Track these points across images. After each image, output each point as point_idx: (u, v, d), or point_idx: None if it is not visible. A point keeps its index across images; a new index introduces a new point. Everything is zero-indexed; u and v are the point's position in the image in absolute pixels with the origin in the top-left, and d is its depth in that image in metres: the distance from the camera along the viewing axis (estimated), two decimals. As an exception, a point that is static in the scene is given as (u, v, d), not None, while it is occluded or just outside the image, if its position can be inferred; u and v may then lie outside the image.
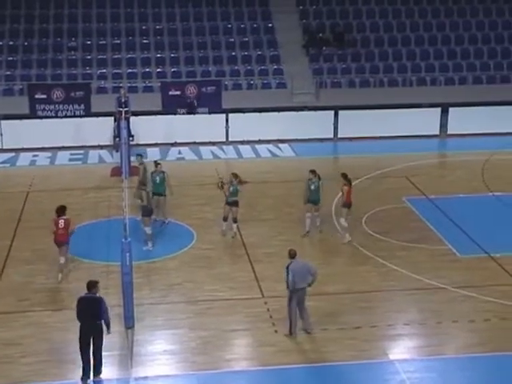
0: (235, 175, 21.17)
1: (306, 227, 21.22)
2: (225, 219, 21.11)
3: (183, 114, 29.89)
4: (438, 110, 31.21)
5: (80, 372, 14.69)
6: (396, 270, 19.37)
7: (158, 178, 21.48)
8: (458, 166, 27.61)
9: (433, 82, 33.56)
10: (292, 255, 16.22)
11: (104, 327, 14.63)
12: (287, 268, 16.07)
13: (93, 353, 14.61)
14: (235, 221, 21.06)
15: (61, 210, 18.77)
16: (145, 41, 34.16)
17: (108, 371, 15.05)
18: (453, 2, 36.69)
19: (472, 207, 23.62)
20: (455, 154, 29.05)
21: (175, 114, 29.86)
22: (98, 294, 14.69)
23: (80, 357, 14.65)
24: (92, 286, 14.68)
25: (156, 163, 21.96)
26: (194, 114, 30.00)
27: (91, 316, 14.49)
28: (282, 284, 18.29)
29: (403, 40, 35.12)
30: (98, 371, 14.77)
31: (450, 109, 31.10)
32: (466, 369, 15.27)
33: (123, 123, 25.25)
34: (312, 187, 21.01)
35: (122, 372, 15.07)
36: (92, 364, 14.66)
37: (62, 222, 18.56)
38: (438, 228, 21.86)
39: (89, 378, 14.67)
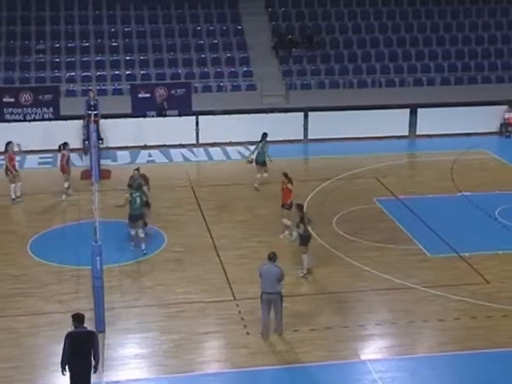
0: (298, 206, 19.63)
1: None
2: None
3: (153, 116, 29.85)
4: (407, 110, 31.41)
5: (52, 378, 14.57)
6: (367, 270, 19.46)
7: (136, 184, 21.33)
8: (427, 166, 27.80)
9: (401, 83, 33.79)
10: (268, 258, 16.16)
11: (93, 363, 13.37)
12: (259, 266, 16.21)
13: None
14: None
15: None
16: (114, 43, 34.00)
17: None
18: (420, 4, 36.97)
19: (441, 207, 23.82)
20: (424, 155, 29.25)
21: (145, 116, 29.80)
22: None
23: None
24: (82, 319, 13.38)
25: (135, 169, 21.81)
26: (163, 116, 29.95)
27: (83, 352, 13.17)
28: (254, 286, 18.36)
29: (372, 41, 35.31)
30: None
31: (419, 109, 31.32)
32: (437, 367, 15.39)
33: (92, 126, 25.14)
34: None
35: (94, 376, 14.96)
36: None
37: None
38: (407, 228, 22.00)
39: None
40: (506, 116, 31.57)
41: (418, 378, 15.04)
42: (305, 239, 19.12)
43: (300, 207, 19.47)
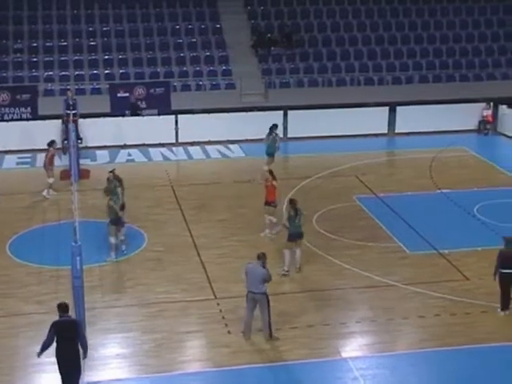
0: (291, 202, 19.26)
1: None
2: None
3: (131, 116, 29.74)
4: (386, 109, 31.54)
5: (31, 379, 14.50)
6: (347, 268, 19.52)
7: (112, 185, 21.23)
8: (406, 164, 27.93)
9: (380, 82, 33.93)
10: (257, 257, 16.08)
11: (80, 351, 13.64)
12: (246, 265, 16.25)
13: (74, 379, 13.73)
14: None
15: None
16: (92, 42, 33.86)
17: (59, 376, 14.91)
18: (398, 2, 37.13)
19: (420, 204, 23.93)
20: (403, 153, 29.38)
21: (124, 116, 29.71)
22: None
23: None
24: (66, 308, 13.73)
25: (110, 171, 21.71)
26: (140, 115, 29.86)
27: (69, 339, 13.47)
28: (235, 285, 18.38)
29: (350, 40, 35.43)
30: None
31: (398, 108, 31.45)
32: (418, 364, 15.47)
33: (71, 126, 25.03)
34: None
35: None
36: None
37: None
38: (387, 226, 22.09)
39: None
40: (485, 114, 31.78)
41: (398, 375, 15.11)
42: (294, 236, 19.05)
43: (294, 202, 19.23)
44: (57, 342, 13.52)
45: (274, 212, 21.19)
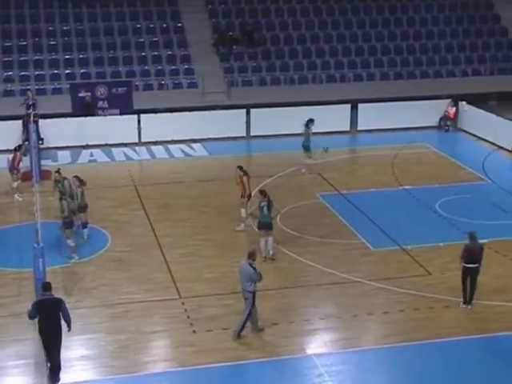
0: (262, 192, 19.95)
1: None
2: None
3: (87, 116, 29.44)
4: (348, 106, 31.70)
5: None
6: (311, 265, 19.59)
7: (59, 185, 21.05)
8: (369, 161, 28.10)
9: (342, 79, 34.09)
10: (248, 255, 16.14)
11: (64, 327, 14.56)
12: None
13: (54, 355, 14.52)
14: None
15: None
16: (52, 42, 33.54)
17: (24, 380, 14.77)
18: (358, 0, 37.30)
19: (383, 201, 24.10)
20: (365, 150, 29.55)
21: (85, 116, 29.47)
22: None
23: (46, 359, 14.66)
24: (49, 287, 14.56)
25: (55, 171, 21.55)
26: (97, 115, 29.65)
27: (51, 317, 14.33)
28: (199, 284, 18.37)
29: (312, 38, 35.54)
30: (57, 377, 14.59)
31: (360, 105, 31.63)
32: (383, 359, 15.59)
33: (32, 126, 24.78)
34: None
35: (39, 380, 14.79)
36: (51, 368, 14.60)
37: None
38: (351, 222, 22.21)
39: (59, 379, 14.60)
40: (449, 110, 32.05)
41: (363, 371, 15.21)
42: (262, 225, 19.48)
43: (264, 193, 19.68)
44: (40, 319, 14.28)
45: (248, 205, 21.39)
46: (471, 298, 17.45)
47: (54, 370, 14.63)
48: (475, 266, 17.20)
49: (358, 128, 31.68)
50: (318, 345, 16.23)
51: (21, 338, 16.03)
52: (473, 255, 17.18)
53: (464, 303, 17.44)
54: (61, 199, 19.69)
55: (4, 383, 14.74)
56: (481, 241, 17.92)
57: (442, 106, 32.24)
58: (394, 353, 15.75)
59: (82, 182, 20.77)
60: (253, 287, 15.98)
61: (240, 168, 21.63)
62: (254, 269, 16.00)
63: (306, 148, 26.45)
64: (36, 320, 14.49)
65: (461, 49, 36.40)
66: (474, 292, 17.43)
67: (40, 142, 26.92)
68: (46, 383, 14.64)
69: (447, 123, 32.16)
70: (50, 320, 14.33)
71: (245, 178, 21.41)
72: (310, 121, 26.48)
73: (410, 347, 15.90)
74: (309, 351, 15.83)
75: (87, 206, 20.85)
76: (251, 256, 16.09)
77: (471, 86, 34.01)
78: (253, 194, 21.71)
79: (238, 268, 16.35)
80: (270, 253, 19.68)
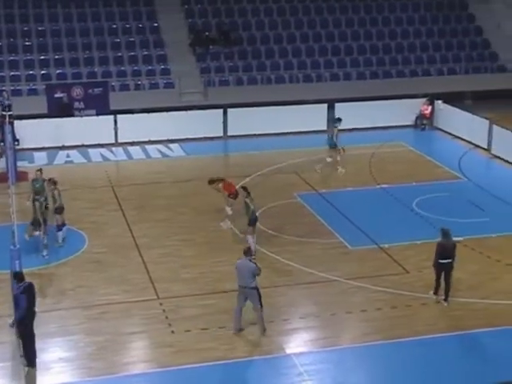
0: (244, 189, 20.19)
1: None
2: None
3: (64, 116, 29.24)
4: (325, 105, 31.77)
5: None
6: (289, 264, 19.62)
7: (38, 186, 20.89)
8: (346, 160, 28.12)
9: (318, 79, 34.16)
10: (244, 252, 16.32)
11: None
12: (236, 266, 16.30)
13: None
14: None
15: None
16: (27, 42, 33.31)
17: (1, 383, 14.67)
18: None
19: (361, 200, 24.19)
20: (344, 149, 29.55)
21: (61, 116, 29.29)
22: None
23: (27, 346, 14.60)
24: (23, 276, 14.85)
25: (37, 170, 21.41)
26: (74, 116, 29.48)
27: (34, 302, 14.80)
28: (177, 284, 18.35)
29: (289, 37, 35.59)
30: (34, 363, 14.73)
31: (336, 104, 31.71)
32: (362, 358, 15.65)
33: (7, 127, 24.60)
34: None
35: (16, 383, 14.69)
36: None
37: None
38: (329, 222, 22.27)
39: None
40: (427, 109, 32.21)
41: (343, 369, 15.26)
42: (254, 220, 19.73)
43: (247, 189, 19.99)
44: (28, 306, 14.53)
45: (233, 204, 21.56)
46: (447, 295, 17.60)
47: (34, 356, 14.68)
48: (449, 261, 17.40)
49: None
50: (298, 344, 16.26)
51: (-2, 340, 15.95)
52: (446, 251, 17.43)
53: (434, 293, 17.74)
54: (34, 200, 19.60)
55: (-19, 387, 14.66)
56: (457, 238, 18.11)
57: (418, 105, 32.42)
58: (373, 351, 15.82)
59: (55, 184, 20.62)
60: (255, 283, 16.10)
61: (211, 182, 21.97)
62: (255, 264, 16.25)
63: (332, 145, 26.67)
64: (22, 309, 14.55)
65: (436, 48, 36.62)
66: (449, 288, 17.62)
67: (16, 143, 26.73)
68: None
69: (423, 122, 32.35)
70: (33, 306, 14.70)
71: (220, 185, 21.76)
72: (338, 119, 26.79)
73: (389, 345, 15.98)
74: (288, 350, 15.85)
75: (63, 208, 20.71)
76: (247, 253, 16.35)
77: (447, 85, 34.24)
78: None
79: (234, 267, 16.23)
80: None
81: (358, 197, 24.47)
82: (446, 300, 17.61)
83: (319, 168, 26.55)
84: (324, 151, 28.85)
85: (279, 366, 15.33)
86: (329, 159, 26.64)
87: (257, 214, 20.16)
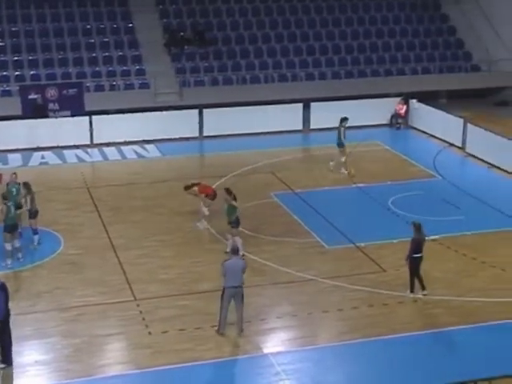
0: (228, 191, 20.21)
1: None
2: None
3: (39, 118, 29.07)
4: (300, 105, 31.83)
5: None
6: (266, 264, 19.64)
7: (14, 190, 20.73)
8: (322, 159, 28.21)
9: (294, 78, 34.23)
10: (233, 252, 16.33)
11: None
12: (223, 263, 16.15)
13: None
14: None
15: None
16: (0, 43, 33.05)
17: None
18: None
19: (337, 199, 24.30)
20: (319, 148, 29.66)
21: (36, 118, 29.12)
22: None
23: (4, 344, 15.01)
24: None
25: (12, 173, 21.26)
26: (48, 117, 29.32)
27: (8, 301, 15.03)
28: (154, 285, 18.29)
29: (263, 37, 35.63)
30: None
31: (312, 104, 31.79)
32: (340, 356, 15.69)
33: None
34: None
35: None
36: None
37: None
38: (305, 221, 22.32)
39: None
40: (401, 109, 32.38)
41: (322, 368, 15.28)
42: (239, 221, 19.94)
43: (228, 190, 20.04)
44: (6, 306, 14.87)
45: (211, 204, 21.61)
46: (423, 284, 17.88)
47: (10, 354, 15.00)
48: (421, 255, 17.72)
49: (311, 127, 31.82)
50: (275, 343, 16.27)
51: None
52: (420, 245, 17.66)
53: (411, 292, 17.91)
54: (4, 203, 19.44)
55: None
56: (432, 237, 18.28)
57: (393, 104, 32.58)
58: (351, 349, 15.88)
59: (30, 189, 20.47)
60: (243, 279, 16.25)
61: (186, 188, 22.09)
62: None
63: (340, 145, 26.68)
64: None
65: (410, 47, 36.84)
66: (422, 278, 17.88)
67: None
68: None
69: (398, 121, 32.52)
70: (8, 304, 14.95)
71: (195, 188, 21.89)
72: (344, 119, 26.80)
73: (366, 343, 16.03)
74: (265, 350, 15.86)
75: (37, 212, 20.55)
76: (236, 252, 16.39)
77: (421, 84, 34.48)
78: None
79: (223, 269, 16.03)
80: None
81: (334, 196, 24.55)
82: (424, 288, 17.83)
83: (332, 166, 26.68)
84: (299, 150, 29.01)
85: (256, 365, 15.34)
86: (342, 159, 26.63)
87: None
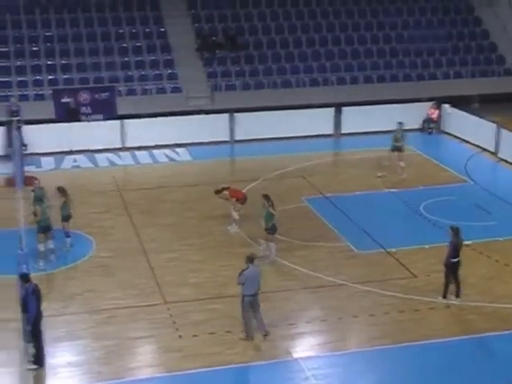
0: (267, 197, 20.19)
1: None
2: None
3: (71, 121, 29.27)
4: (332, 109, 31.75)
5: None
6: (296, 268, 19.60)
7: (37, 194, 20.95)
8: (354, 164, 28.13)
9: (325, 82, 34.13)
10: (251, 260, 16.17)
11: None
12: (242, 272, 16.04)
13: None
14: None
15: None
16: (34, 48, 33.39)
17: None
18: (341, 3, 37.34)
19: (368, 204, 24.15)
20: (350, 153, 29.58)
21: (68, 121, 29.32)
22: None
23: (38, 346, 15.15)
24: (29, 276, 15.42)
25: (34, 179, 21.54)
26: (81, 121, 29.50)
27: (40, 303, 15.30)
28: (184, 288, 18.33)
29: (294, 42, 35.57)
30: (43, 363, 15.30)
31: (343, 108, 31.68)
32: (370, 362, 15.60)
33: (15, 132, 24.66)
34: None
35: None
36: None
37: None
38: (336, 226, 22.25)
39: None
40: (434, 113, 32.17)
41: (352, 373, 15.21)
42: (275, 228, 19.89)
43: (267, 197, 20.02)
44: (38, 306, 15.07)
45: (241, 208, 21.76)
46: (459, 291, 17.74)
47: (43, 355, 15.14)
48: (459, 259, 17.56)
49: (342, 131, 31.72)
50: (304, 348, 16.23)
51: (6, 344, 15.95)
52: (458, 250, 17.54)
53: (444, 297, 17.78)
54: (39, 205, 19.70)
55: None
56: (465, 242, 18.13)
57: (425, 109, 32.39)
58: (381, 355, 15.78)
59: (64, 193, 20.70)
60: None
61: (217, 192, 22.25)
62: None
63: (394, 148, 26.76)
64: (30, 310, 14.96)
65: (443, 52, 36.55)
66: (459, 285, 17.74)
67: (24, 148, 26.81)
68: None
69: (430, 126, 32.32)
70: (40, 305, 15.15)
71: (226, 192, 22.06)
72: (399, 123, 26.92)
73: (397, 349, 15.94)
74: (295, 355, 15.82)
75: (71, 216, 20.73)
76: (253, 259, 16.27)
77: (453, 89, 34.20)
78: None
79: (243, 278, 15.98)
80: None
81: (365, 201, 24.44)
82: (458, 296, 17.68)
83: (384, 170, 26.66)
84: (330, 155, 28.97)
85: (286, 370, 15.31)
86: (402, 163, 26.54)
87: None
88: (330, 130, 31.63)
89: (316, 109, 31.91)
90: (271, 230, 19.96)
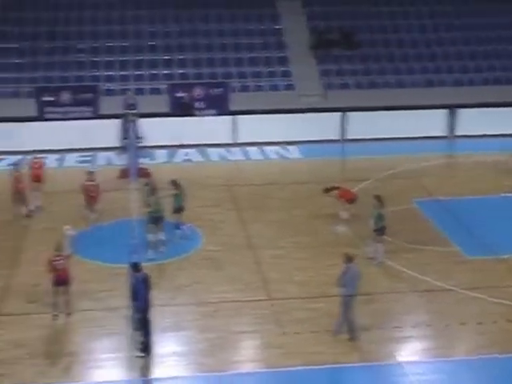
0: (378, 198, 20.19)
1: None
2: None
3: (184, 116, 29.76)
4: (446, 111, 31.13)
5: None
6: (403, 271, 19.34)
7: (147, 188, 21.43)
8: (468, 167, 27.49)
9: (440, 83, 33.44)
10: (351, 259, 16.12)
11: None
12: (345, 272, 16.00)
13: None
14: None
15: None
16: (152, 43, 34.17)
17: (116, 373, 15.13)
18: (462, 2, 36.51)
19: (481, 208, 23.53)
20: (465, 156, 28.92)
21: (183, 116, 29.84)
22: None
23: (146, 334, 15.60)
24: (140, 266, 15.99)
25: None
26: (194, 116, 29.96)
27: (150, 291, 15.92)
28: (288, 286, 18.36)
29: (411, 41, 35.03)
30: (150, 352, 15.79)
31: (458, 110, 31.00)
32: (475, 370, 15.24)
33: (131, 125, 25.28)
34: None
35: (131, 372, 15.12)
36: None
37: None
38: (446, 229, 21.81)
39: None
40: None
41: (457, 381, 14.89)
42: (385, 229, 19.77)
43: (379, 198, 19.96)
44: (146, 295, 15.53)
45: (350, 208, 21.84)
46: None
47: (150, 344, 15.54)
48: None
49: (457, 133, 31.04)
50: (409, 352, 16.02)
51: (115, 331, 16.41)
52: None
53: None
54: (154, 196, 20.18)
55: (97, 375, 15.12)
56: None
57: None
58: (488, 364, 15.38)
59: (177, 186, 21.14)
60: None
61: (326, 191, 22.38)
62: None
63: None
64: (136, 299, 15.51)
65: None
66: None
67: (139, 140, 27.43)
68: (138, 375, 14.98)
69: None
70: (149, 295, 15.62)
71: (336, 191, 22.15)
72: None
73: (505, 359, 15.49)
74: (399, 358, 15.62)
75: (182, 208, 21.13)
76: (351, 259, 16.15)
77: None
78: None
79: (355, 275, 16.02)
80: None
81: (478, 205, 23.84)
82: None
83: None
84: (444, 157, 28.40)
85: (389, 373, 15.15)
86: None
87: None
88: (443, 131, 31.02)
89: (430, 110, 31.33)
90: (380, 231, 19.78)
